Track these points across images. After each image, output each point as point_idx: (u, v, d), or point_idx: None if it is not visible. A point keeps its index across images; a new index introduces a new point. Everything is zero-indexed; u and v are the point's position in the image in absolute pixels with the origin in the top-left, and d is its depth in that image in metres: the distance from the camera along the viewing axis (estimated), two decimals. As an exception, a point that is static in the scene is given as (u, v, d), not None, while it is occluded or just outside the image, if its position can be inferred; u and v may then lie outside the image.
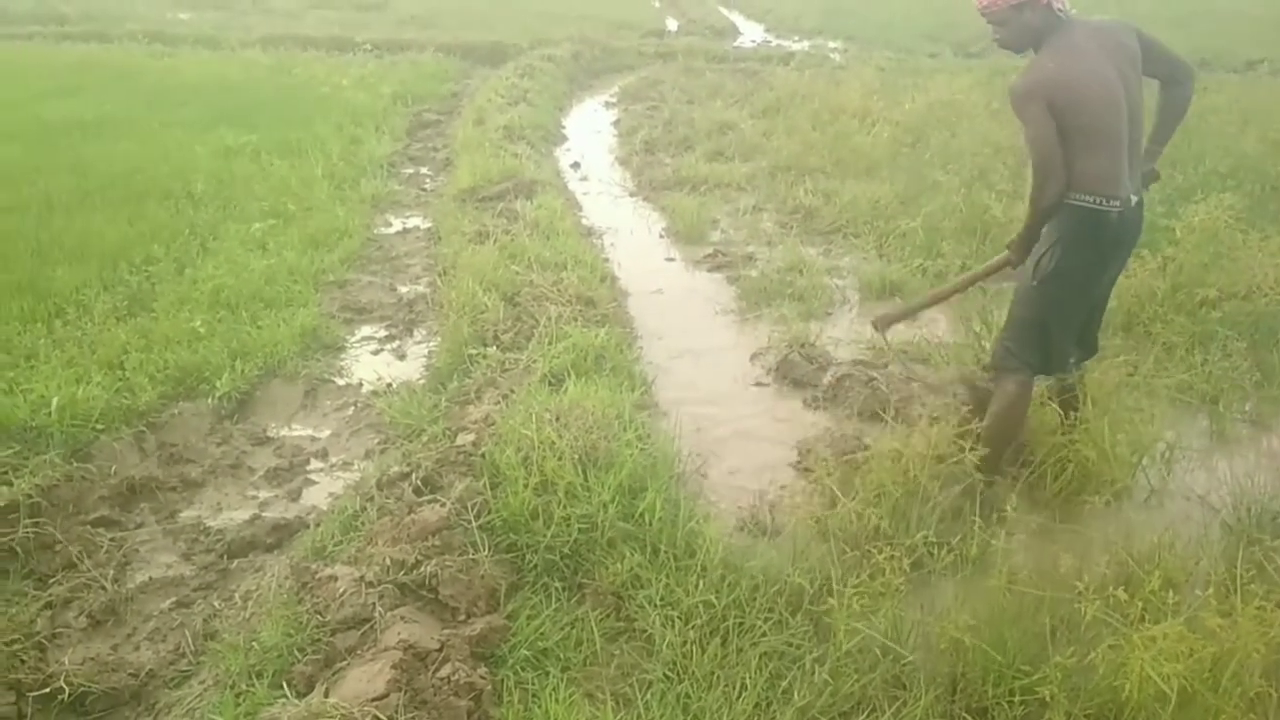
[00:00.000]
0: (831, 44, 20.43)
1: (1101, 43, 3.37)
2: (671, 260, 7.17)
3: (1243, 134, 9.51)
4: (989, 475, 3.60)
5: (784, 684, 2.78)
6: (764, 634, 2.95)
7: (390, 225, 7.88)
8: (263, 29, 18.35)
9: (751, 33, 23.25)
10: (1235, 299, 5.22)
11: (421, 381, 4.91)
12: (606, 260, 6.89)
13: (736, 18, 25.60)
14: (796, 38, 21.96)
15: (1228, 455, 4.32)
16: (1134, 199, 3.42)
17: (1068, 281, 3.45)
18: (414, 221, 7.99)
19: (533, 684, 2.78)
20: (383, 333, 5.71)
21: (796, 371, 5.09)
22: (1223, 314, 5.15)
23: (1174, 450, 4.13)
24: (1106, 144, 3.29)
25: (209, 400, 4.64)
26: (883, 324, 4.55)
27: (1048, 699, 2.51)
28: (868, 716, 2.68)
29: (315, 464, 4.28)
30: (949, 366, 4.93)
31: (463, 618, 2.96)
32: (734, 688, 2.75)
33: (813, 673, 2.79)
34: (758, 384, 5.11)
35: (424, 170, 9.79)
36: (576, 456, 3.56)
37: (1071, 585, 2.79)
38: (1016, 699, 2.60)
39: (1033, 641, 2.72)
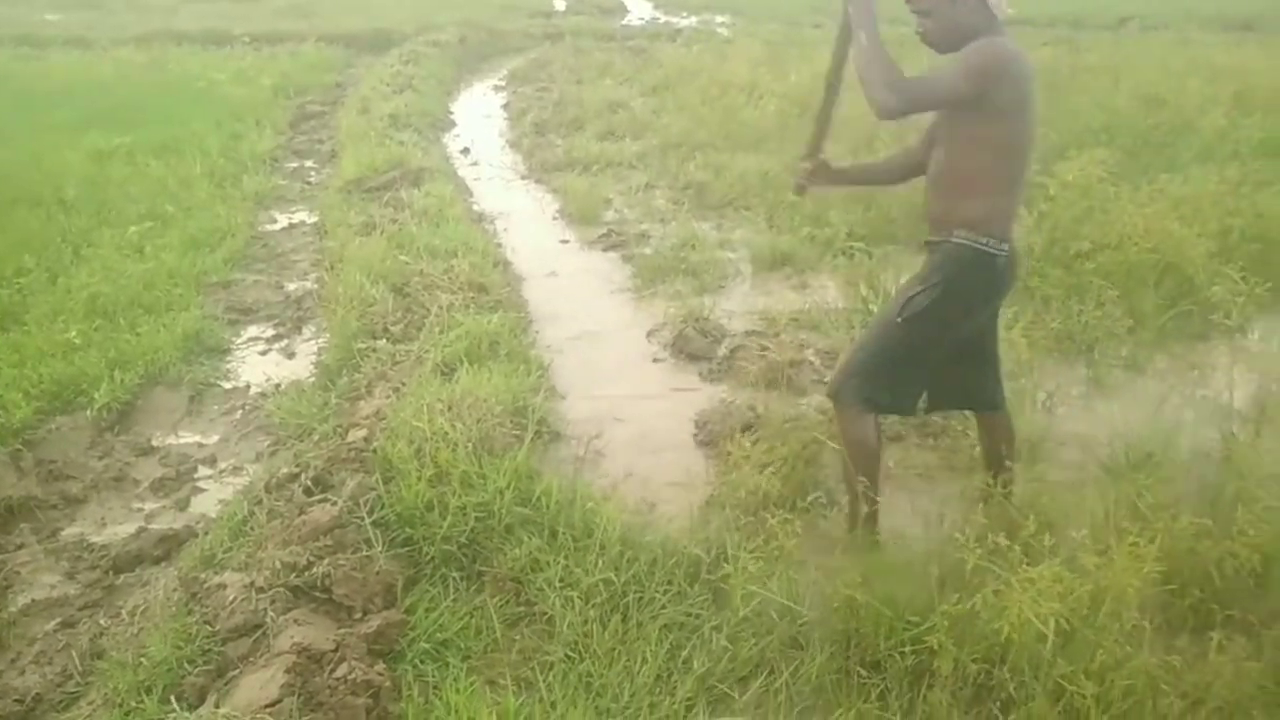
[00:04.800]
0: (718, 19, 20.58)
1: None
2: (566, 242, 7.16)
3: (1115, 90, 9.86)
4: (869, 504, 3.23)
5: (684, 653, 2.81)
6: (664, 606, 2.98)
7: (275, 221, 7.70)
8: (136, 27, 17.75)
9: (639, 10, 23.28)
10: (1108, 250, 5.40)
11: (311, 380, 4.81)
12: (499, 245, 6.85)
13: (624, -5, 25.55)
14: (684, 14, 22.06)
15: (1105, 400, 4.49)
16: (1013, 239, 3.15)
17: (936, 324, 3.11)
18: (300, 216, 7.82)
19: (433, 676, 2.76)
20: (270, 332, 5.58)
21: (692, 346, 5.13)
22: (1096, 265, 5.32)
23: (1054, 398, 4.27)
24: (1021, 181, 3.07)
25: (88, 413, 4.47)
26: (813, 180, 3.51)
27: (936, 647, 2.58)
28: (766, 678, 2.73)
29: (203, 471, 4.17)
30: (839, 332, 5.04)
31: (359, 616, 2.91)
32: (635, 661, 2.77)
33: (711, 640, 2.83)
34: (655, 360, 5.13)
35: (309, 163, 9.58)
36: (471, 445, 3.54)
37: (954, 535, 2.87)
38: (908, 649, 2.66)
39: (921, 593, 2.79)
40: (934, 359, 3.23)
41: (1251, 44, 13.52)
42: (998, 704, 2.54)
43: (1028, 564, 2.64)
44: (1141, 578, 2.62)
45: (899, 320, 3.12)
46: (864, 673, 2.70)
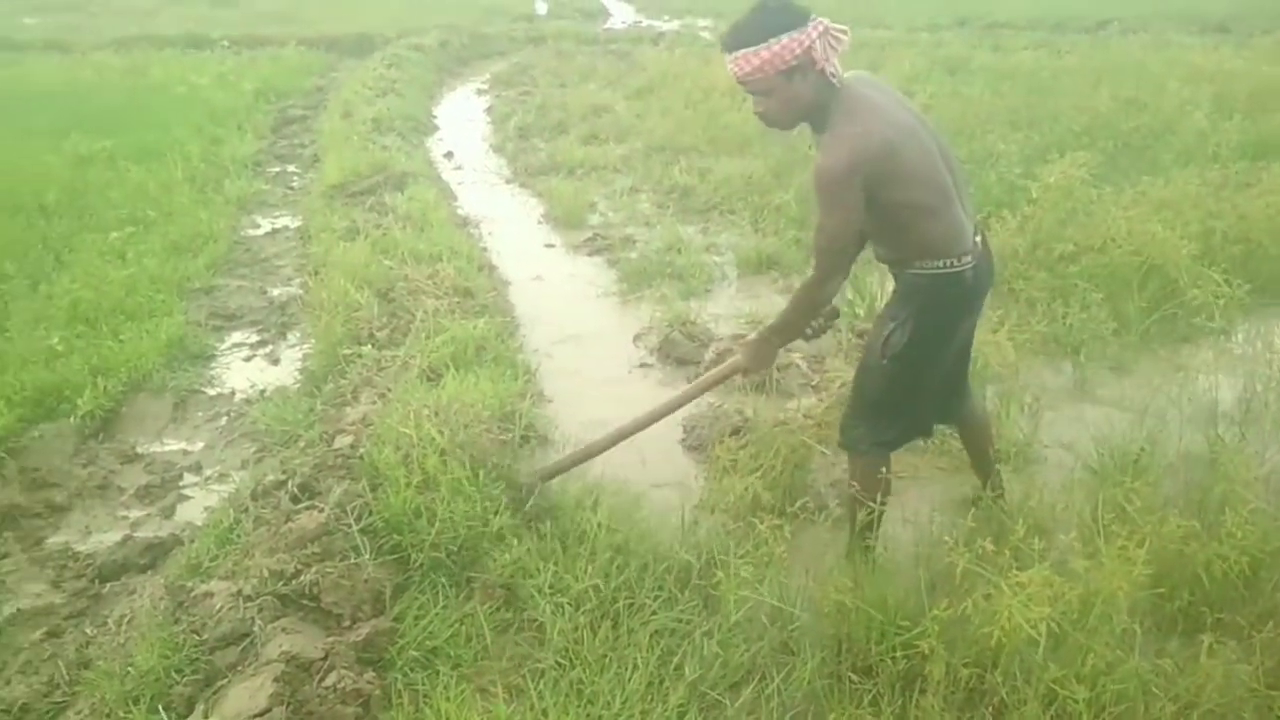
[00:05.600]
0: (701, 22, 20.61)
1: (885, 91, 2.96)
2: (551, 246, 7.14)
3: (1095, 92, 9.90)
4: (869, 539, 3.18)
5: (675, 660, 2.80)
6: (654, 613, 2.96)
7: (258, 226, 7.66)
8: (115, 30, 17.67)
9: (621, 14, 23.30)
10: (1091, 252, 5.42)
11: (296, 386, 4.79)
12: (484, 249, 6.84)
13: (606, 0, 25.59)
14: (666, 17, 22.10)
15: (1090, 402, 4.51)
16: (978, 240, 3.01)
17: (922, 354, 3.01)
18: (283, 221, 7.79)
19: (423, 684, 2.74)
20: (254, 338, 5.55)
21: (679, 350, 5.12)
22: (1080, 267, 5.34)
23: (1040, 401, 4.28)
24: (941, 201, 2.87)
25: (71, 420, 4.44)
26: (543, 476, 3.66)
27: (927, 652, 2.58)
28: (758, 684, 2.72)
29: (189, 478, 4.14)
30: (825, 336, 5.03)
31: (347, 624, 2.89)
32: (626, 668, 2.75)
33: (702, 646, 2.82)
34: (642, 365, 5.12)
35: (291, 168, 9.54)
36: (459, 452, 3.52)
37: (943, 540, 2.87)
38: (899, 654, 2.66)
39: (911, 597, 2.79)
40: (935, 382, 3.17)
41: (1228, 45, 13.59)
42: (990, 709, 2.54)
43: (1017, 568, 2.63)
44: (1131, 581, 2.61)
45: (885, 363, 3.03)
46: (855, 678, 2.70)
